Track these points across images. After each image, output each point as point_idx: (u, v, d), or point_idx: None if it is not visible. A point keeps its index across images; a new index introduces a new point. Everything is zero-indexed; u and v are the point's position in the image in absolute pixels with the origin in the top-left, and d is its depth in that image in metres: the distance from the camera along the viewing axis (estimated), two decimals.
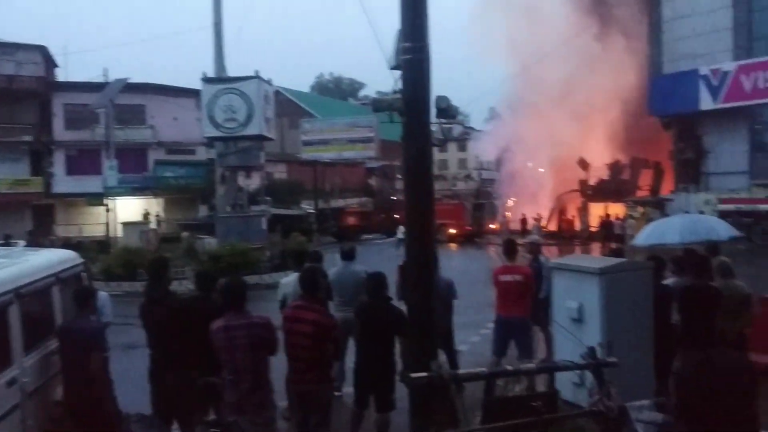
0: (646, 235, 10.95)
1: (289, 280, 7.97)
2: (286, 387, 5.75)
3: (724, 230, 10.67)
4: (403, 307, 6.27)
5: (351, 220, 44.93)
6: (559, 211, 41.87)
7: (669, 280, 7.40)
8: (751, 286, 7.82)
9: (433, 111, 5.80)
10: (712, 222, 11.95)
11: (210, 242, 24.19)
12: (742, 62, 36.78)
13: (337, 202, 51.72)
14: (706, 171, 40.11)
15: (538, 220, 37.62)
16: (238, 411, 5.15)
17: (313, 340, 5.48)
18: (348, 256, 8.48)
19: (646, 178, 41.40)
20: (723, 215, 29.73)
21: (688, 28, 39.58)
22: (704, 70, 38.03)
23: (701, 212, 30.97)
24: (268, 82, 25.96)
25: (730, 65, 37.22)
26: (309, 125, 45.95)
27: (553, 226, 40.70)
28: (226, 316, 5.20)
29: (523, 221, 39.73)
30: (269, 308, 8.00)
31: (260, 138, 25.12)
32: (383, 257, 24.69)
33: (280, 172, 53.86)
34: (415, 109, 5.34)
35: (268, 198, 29.07)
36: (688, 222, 10.96)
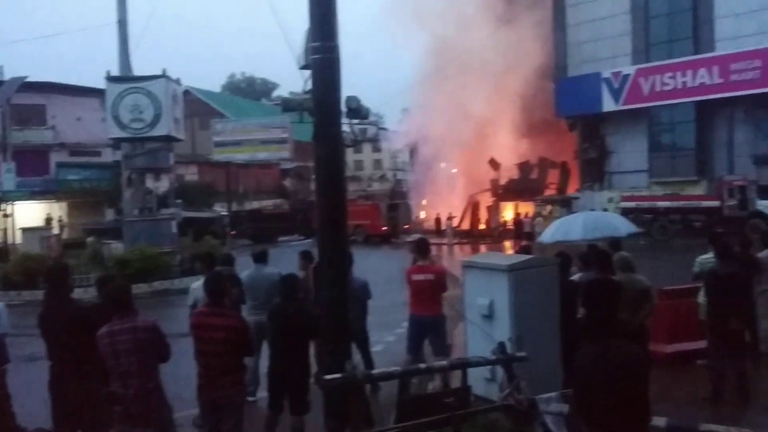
0: (551, 233, 11.34)
1: (199, 284, 7.77)
2: (197, 394, 5.62)
3: (623, 226, 11.23)
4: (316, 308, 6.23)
5: (267, 222, 44.41)
6: (472, 210, 42.78)
7: (575, 276, 7.67)
8: (651, 279, 8.21)
9: (344, 111, 5.78)
10: (612, 219, 12.57)
11: (117, 247, 23.38)
12: (641, 66, 38.71)
13: (252, 204, 51.00)
14: (609, 170, 41.99)
15: (450, 219, 38.29)
16: (127, 419, 4.97)
17: (225, 346, 5.37)
18: (260, 258, 8.39)
19: (553, 178, 42.91)
20: (625, 212, 31.22)
21: (590, 32, 41.30)
22: (606, 74, 39.82)
23: (605, 209, 32.40)
24: (177, 82, 25.28)
25: (629, 69, 39.11)
26: (221, 126, 45.10)
27: (465, 225, 41.54)
28: (111, 321, 5.02)
29: (438, 221, 40.37)
30: (180, 314, 7.79)
31: (169, 139, 24.42)
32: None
33: (191, 173, 52.64)
34: (325, 110, 5.31)
35: (178, 200, 28.31)
36: (590, 219, 11.46)
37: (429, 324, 7.98)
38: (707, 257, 8.92)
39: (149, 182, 26.16)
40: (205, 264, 8.25)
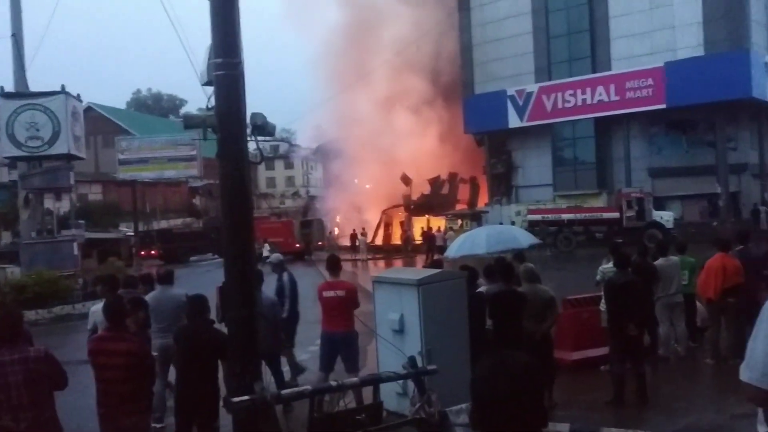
0: (457, 248, 11.56)
1: (98, 307, 7.42)
2: (100, 423, 5.35)
3: (524, 239, 11.63)
4: (224, 329, 6.09)
5: (178, 241, 43.24)
6: (385, 225, 43.12)
7: (482, 288, 7.84)
8: (556, 289, 8.49)
9: (249, 128, 5.71)
10: (514, 232, 12.99)
11: (13, 271, 22.18)
12: (543, 84, 40.29)
13: (160, 224, 49.53)
14: (516, 184, 43.39)
15: (364, 234, 38.38)
16: None
17: (124, 372, 5.15)
18: (165, 279, 8.13)
19: (464, 193, 43.84)
20: (532, 225, 32.30)
21: (495, 52, 42.66)
22: (511, 91, 41.22)
23: (513, 222, 33.38)
24: (77, 98, 24.33)
25: (533, 87, 40.63)
26: (126, 143, 43.62)
27: (379, 241, 41.77)
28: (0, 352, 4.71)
29: (353, 237, 40.34)
30: (82, 339, 7.45)
31: (69, 157, 23.43)
32: (212, 278, 23.86)
33: (94, 193, 50.73)
34: (229, 126, 5.22)
35: (81, 221, 27.18)
36: (493, 233, 11.78)
37: (341, 340, 7.94)
38: (608, 266, 9.31)
39: (49, 203, 25.02)
40: (107, 287, 7.93)
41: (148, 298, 7.86)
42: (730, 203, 34.82)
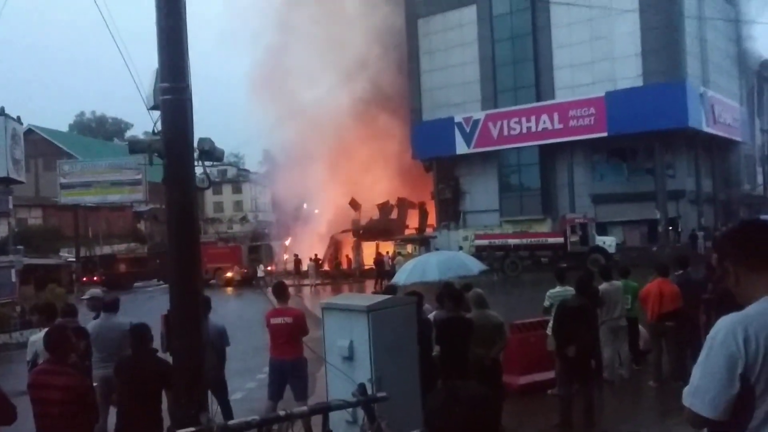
0: (407, 275, 11.58)
1: (38, 337, 7.13)
2: None
3: (474, 265, 11.78)
4: (170, 358, 5.93)
5: (122, 267, 42.16)
6: (334, 250, 42.94)
7: (430, 314, 7.86)
8: (504, 314, 8.57)
9: (197, 153, 5.63)
10: (463, 258, 13.15)
11: None
12: (489, 111, 41.06)
13: (104, 249, 48.26)
14: (463, 209, 43.90)
15: (315, 260, 38.03)
16: None
17: (62, 407, 4.93)
18: (109, 307, 7.87)
19: (412, 218, 44.10)
20: (479, 249, 32.70)
21: (443, 79, 43.36)
22: (458, 118, 41.89)
23: (460, 248, 33.70)
24: (17, 120, 23.67)
25: (479, 114, 41.37)
26: (68, 167, 42.58)
27: (328, 266, 41.55)
28: None
29: (297, 262, 39.89)
30: (20, 370, 7.16)
31: (7, 181, 22.72)
32: (156, 305, 23.27)
33: (34, 217, 49.19)
34: (175, 152, 5.13)
35: (19, 247, 26.28)
36: (444, 259, 11.88)
37: (289, 368, 7.84)
38: (557, 291, 9.44)
39: None
40: (45, 315, 7.64)
41: (90, 326, 7.61)
42: (668, 228, 35.94)
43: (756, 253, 2.23)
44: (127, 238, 54.82)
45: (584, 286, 8.10)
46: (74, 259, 41.23)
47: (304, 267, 38.29)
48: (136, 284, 40.52)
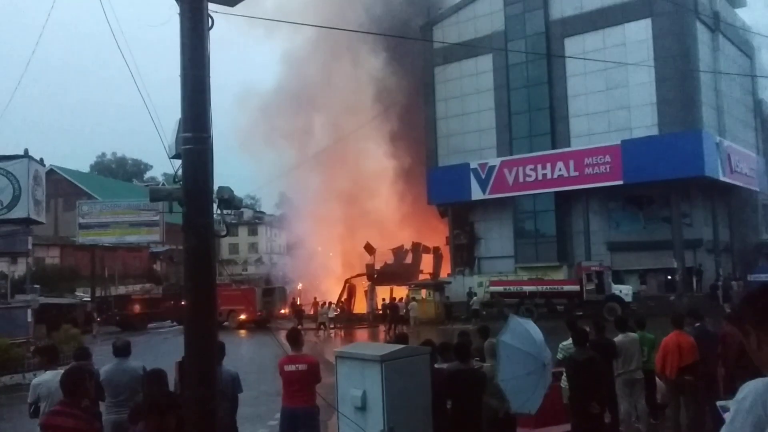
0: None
1: (42, 379, 7.10)
2: None
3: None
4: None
5: (136, 308, 42.24)
6: (348, 294, 42.78)
7: (443, 365, 7.79)
8: None
9: (216, 201, 5.71)
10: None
11: None
12: (505, 158, 41.25)
13: (119, 289, 48.46)
14: (478, 255, 43.77)
15: (327, 305, 37.75)
16: None
17: None
18: (122, 351, 7.84)
19: (427, 263, 43.94)
20: (493, 296, 32.43)
21: (459, 126, 43.76)
22: (474, 164, 42.07)
23: (474, 294, 33.53)
24: (40, 162, 24.12)
25: (495, 160, 41.57)
26: (87, 207, 43.13)
27: (340, 310, 41.28)
28: None
29: (315, 305, 39.66)
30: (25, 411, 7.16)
31: (28, 221, 23.02)
32: (170, 347, 23.23)
33: (52, 256, 49.64)
34: (195, 200, 5.22)
35: (36, 286, 26.44)
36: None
37: (302, 416, 7.77)
38: (568, 343, 9.32)
39: (3, 266, 24.39)
40: (47, 357, 7.61)
41: (102, 371, 7.59)
42: (691, 277, 35.53)
43: None
44: (142, 278, 55.09)
45: (581, 339, 7.98)
46: (89, 299, 41.40)
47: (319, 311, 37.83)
48: (150, 325, 40.50)
